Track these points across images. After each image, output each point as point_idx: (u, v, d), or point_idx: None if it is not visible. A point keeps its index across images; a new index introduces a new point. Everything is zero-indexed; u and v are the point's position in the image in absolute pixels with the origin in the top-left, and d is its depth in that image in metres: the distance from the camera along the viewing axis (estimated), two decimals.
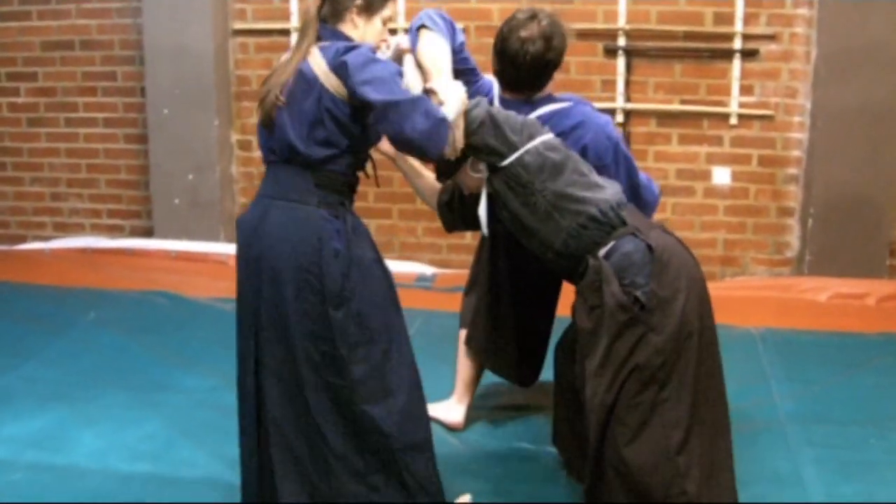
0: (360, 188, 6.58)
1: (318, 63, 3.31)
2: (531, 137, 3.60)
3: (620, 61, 6.60)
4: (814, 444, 4.42)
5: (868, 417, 4.69)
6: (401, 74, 3.36)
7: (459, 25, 3.82)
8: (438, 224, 6.69)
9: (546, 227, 3.58)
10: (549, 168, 3.55)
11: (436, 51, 3.55)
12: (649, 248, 3.42)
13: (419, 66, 3.54)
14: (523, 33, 3.80)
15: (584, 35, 6.58)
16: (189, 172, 7.19)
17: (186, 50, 7.03)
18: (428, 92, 3.42)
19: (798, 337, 5.75)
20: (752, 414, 4.69)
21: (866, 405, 4.82)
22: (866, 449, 4.39)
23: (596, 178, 3.62)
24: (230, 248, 6.98)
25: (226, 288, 6.39)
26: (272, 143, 3.44)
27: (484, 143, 3.57)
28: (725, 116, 6.57)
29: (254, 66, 7.17)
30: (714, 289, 6.22)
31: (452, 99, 3.41)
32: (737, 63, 6.47)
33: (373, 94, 3.21)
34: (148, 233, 7.43)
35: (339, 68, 3.26)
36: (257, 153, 7.10)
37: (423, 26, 3.60)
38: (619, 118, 6.63)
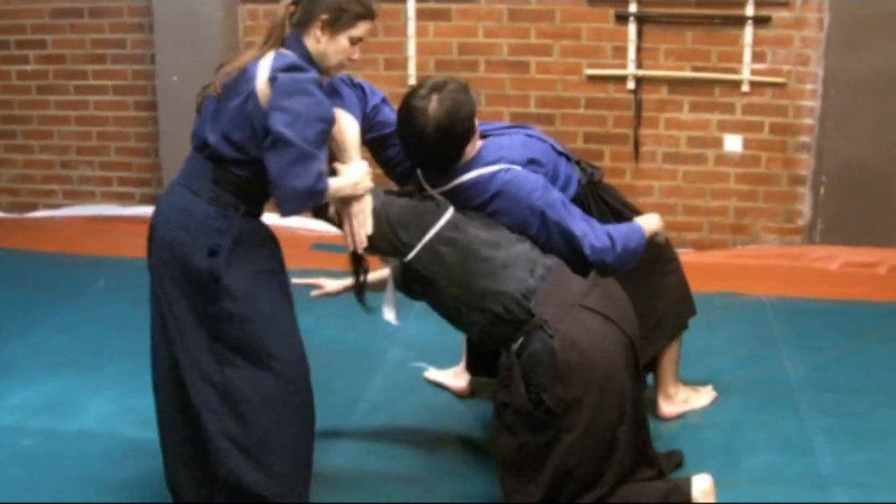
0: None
1: (263, 68, 3.27)
2: (425, 231, 3.46)
3: (632, 28, 6.55)
4: (824, 412, 4.42)
5: (878, 386, 4.69)
6: (325, 121, 3.27)
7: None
8: None
9: (460, 320, 3.54)
10: (448, 262, 3.42)
11: (343, 126, 3.47)
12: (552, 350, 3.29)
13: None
14: (420, 118, 3.50)
15: (595, 1, 6.56)
16: None
17: (195, 17, 7.01)
18: (333, 171, 3.39)
19: (808, 305, 5.75)
20: (762, 382, 4.71)
21: (876, 374, 4.82)
22: (876, 417, 4.39)
23: (503, 256, 3.45)
24: None
25: None
26: (194, 129, 3.42)
27: (379, 242, 3.49)
28: (737, 84, 6.52)
29: (262, 33, 7.10)
30: (724, 257, 6.53)
31: (346, 180, 3.37)
32: (749, 30, 6.42)
33: (278, 123, 3.16)
34: (158, 200, 7.36)
35: (272, 81, 3.22)
36: None
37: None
38: (631, 85, 6.60)
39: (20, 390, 4.62)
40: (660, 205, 6.67)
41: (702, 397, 4.45)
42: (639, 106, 6.63)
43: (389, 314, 3.68)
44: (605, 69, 6.64)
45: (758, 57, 6.46)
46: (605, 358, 3.33)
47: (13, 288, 6.01)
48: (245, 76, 3.27)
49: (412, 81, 6.85)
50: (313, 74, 3.28)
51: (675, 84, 6.62)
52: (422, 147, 3.54)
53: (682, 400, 4.37)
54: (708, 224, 6.68)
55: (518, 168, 3.61)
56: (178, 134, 7.09)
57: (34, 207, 7.87)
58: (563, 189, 3.76)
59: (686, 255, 6.45)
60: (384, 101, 3.74)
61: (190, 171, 3.43)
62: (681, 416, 4.33)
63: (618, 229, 3.66)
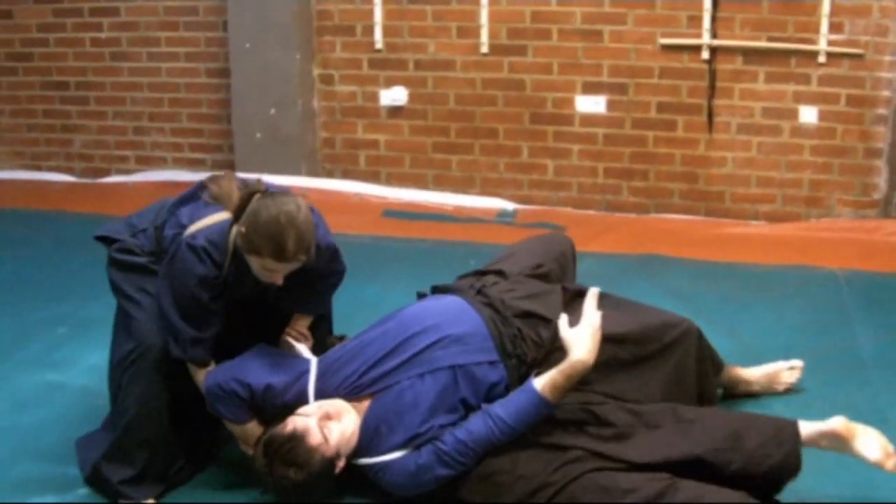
0: (441, 123, 6.61)
1: (192, 228, 3.46)
2: None
3: None
4: None
5: None
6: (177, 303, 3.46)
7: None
8: (520, 160, 6.72)
9: None
10: None
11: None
12: None
13: None
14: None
15: None
16: (271, 107, 7.20)
17: None
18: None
19: (883, 280, 5.64)
20: (835, 356, 4.62)
21: None
22: None
23: None
24: (311, 182, 7.16)
25: None
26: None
27: None
28: (814, 54, 6.42)
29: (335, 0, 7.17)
30: (798, 229, 6.46)
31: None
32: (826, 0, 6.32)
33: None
34: (229, 166, 7.41)
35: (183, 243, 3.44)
36: (339, 87, 7.22)
37: None
38: (705, 55, 6.52)
39: (96, 351, 4.63)
40: (733, 176, 6.64)
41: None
42: (713, 76, 6.55)
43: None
44: (680, 38, 6.57)
45: (835, 27, 6.35)
46: None
47: (88, 252, 6.03)
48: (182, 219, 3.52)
49: (484, 50, 6.86)
50: (204, 271, 3.40)
51: (751, 54, 6.52)
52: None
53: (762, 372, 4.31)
54: (782, 196, 6.60)
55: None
56: (249, 100, 7.19)
57: (107, 173, 7.95)
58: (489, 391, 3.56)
59: (759, 228, 6.47)
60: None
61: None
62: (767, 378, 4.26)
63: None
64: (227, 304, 3.55)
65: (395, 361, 3.48)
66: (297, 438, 3.29)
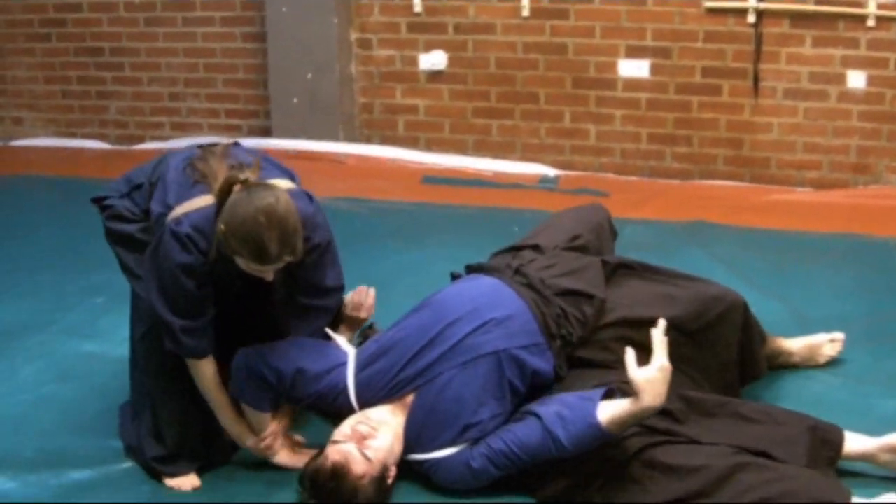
0: (483, 88, 6.55)
1: (177, 209, 3.25)
2: None
3: None
4: None
5: None
6: (163, 292, 3.27)
7: None
8: (562, 125, 6.64)
9: None
10: None
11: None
12: None
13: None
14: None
15: None
16: (308, 71, 7.13)
17: None
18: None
19: None
20: (889, 328, 4.51)
21: None
22: None
23: None
24: (348, 148, 7.14)
25: (344, 188, 6.53)
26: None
27: None
28: (862, 18, 6.28)
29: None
30: (846, 196, 6.36)
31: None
32: None
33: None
34: (266, 132, 7.41)
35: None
36: (377, 52, 7.15)
37: None
38: (751, 18, 6.40)
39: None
40: (779, 142, 6.54)
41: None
42: (759, 40, 6.43)
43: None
44: (726, 1, 6.46)
45: None
46: None
47: None
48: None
49: (525, 13, 6.79)
50: (187, 260, 3.19)
51: (798, 18, 6.40)
52: None
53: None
54: (828, 162, 6.49)
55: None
56: (286, 66, 7.15)
57: (142, 139, 7.92)
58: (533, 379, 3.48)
59: (805, 194, 6.39)
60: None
61: None
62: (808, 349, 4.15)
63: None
64: (222, 294, 3.36)
65: (436, 352, 3.37)
66: (341, 473, 3.16)
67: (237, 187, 3.11)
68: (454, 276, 3.88)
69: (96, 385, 4.14)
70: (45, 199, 6.72)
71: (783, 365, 4.10)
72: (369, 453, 3.20)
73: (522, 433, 3.23)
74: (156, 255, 3.23)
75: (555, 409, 3.20)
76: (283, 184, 3.31)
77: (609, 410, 3.10)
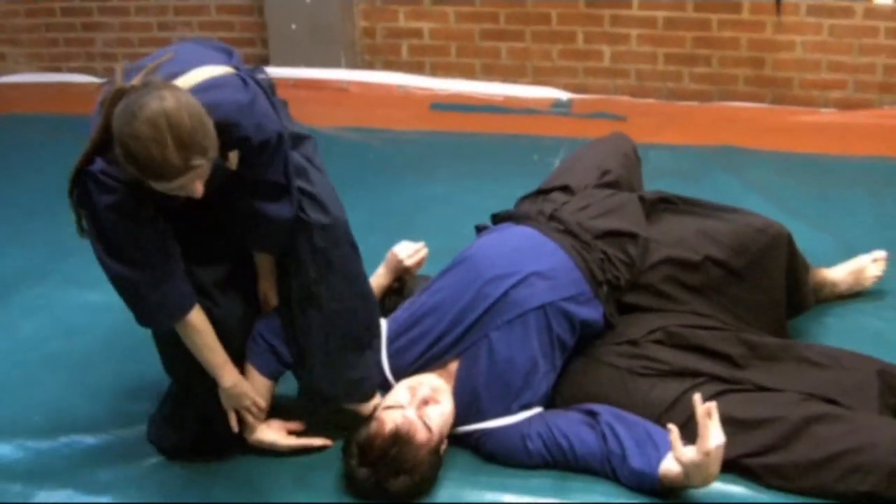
0: (491, 9, 6.39)
1: None
2: None
3: None
4: None
5: None
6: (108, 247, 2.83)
7: None
8: (574, 46, 6.42)
9: None
10: None
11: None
12: None
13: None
14: None
15: None
16: None
17: None
18: None
19: None
20: None
21: None
22: None
23: None
24: (351, 75, 7.00)
25: (348, 116, 6.43)
26: None
27: None
28: None
29: None
30: (872, 117, 6.15)
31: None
32: None
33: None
34: (263, 61, 7.19)
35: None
36: None
37: None
38: None
39: None
40: (803, 61, 6.36)
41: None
42: None
43: None
44: None
45: None
46: None
47: None
48: None
49: None
50: (112, 200, 2.70)
51: None
52: None
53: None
54: (854, 82, 6.32)
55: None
56: None
57: None
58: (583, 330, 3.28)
59: (830, 115, 6.28)
60: None
61: None
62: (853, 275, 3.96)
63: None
64: (178, 224, 2.87)
65: (477, 313, 3.13)
66: (403, 439, 2.88)
67: (121, 102, 2.52)
68: (479, 229, 3.66)
69: (103, 339, 3.94)
70: (32, 139, 6.49)
71: (828, 297, 3.90)
72: (429, 421, 2.97)
73: (585, 440, 3.01)
74: (88, 212, 2.77)
75: (620, 441, 2.97)
76: (204, 71, 2.73)
77: (670, 471, 2.84)
